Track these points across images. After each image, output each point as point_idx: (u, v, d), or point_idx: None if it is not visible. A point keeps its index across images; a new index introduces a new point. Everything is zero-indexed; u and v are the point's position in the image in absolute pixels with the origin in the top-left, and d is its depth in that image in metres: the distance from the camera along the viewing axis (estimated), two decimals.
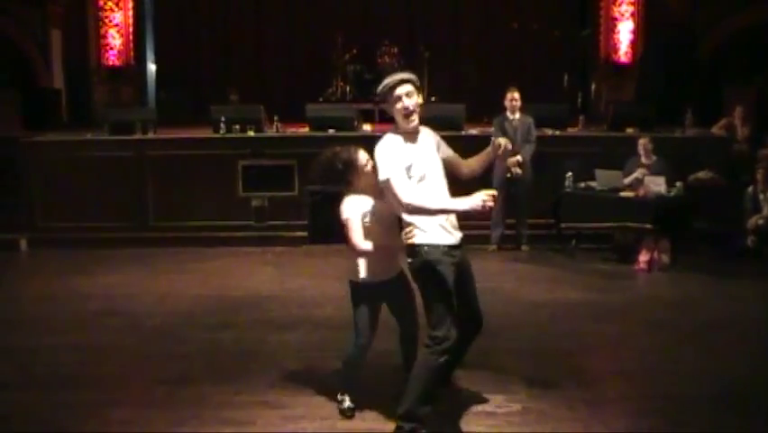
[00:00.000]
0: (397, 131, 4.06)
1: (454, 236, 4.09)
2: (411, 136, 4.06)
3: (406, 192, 3.90)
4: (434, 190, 4.03)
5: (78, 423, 4.44)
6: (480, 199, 3.74)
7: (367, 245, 4.15)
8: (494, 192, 3.77)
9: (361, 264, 4.30)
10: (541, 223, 9.03)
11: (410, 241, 3.99)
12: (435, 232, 4.01)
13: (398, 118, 4.02)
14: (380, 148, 4.01)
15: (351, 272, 4.37)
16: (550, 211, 8.90)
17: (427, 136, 4.18)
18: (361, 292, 4.35)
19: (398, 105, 3.98)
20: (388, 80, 4.04)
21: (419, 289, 4.13)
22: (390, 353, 4.67)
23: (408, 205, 3.91)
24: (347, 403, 4.48)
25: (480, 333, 4.42)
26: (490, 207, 3.77)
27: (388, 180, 3.93)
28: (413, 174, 3.96)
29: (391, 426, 4.17)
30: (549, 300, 6.92)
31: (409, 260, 4.07)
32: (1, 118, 11.77)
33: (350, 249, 4.25)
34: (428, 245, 3.99)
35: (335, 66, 13.60)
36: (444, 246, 4.02)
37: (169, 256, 8.80)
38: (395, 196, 3.92)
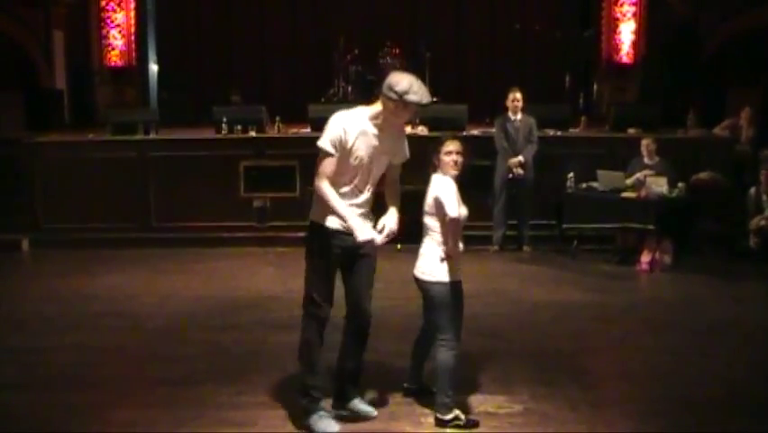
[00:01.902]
0: (368, 114, 4.16)
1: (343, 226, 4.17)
2: (382, 125, 4.15)
3: (324, 171, 4.12)
4: (358, 180, 4.18)
5: (81, 424, 4.44)
6: (370, 235, 4.07)
7: (462, 210, 4.17)
8: (386, 236, 4.06)
9: (448, 263, 4.21)
10: (543, 224, 9.02)
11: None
12: (332, 216, 4.17)
13: (392, 115, 4.11)
14: (333, 117, 4.17)
15: (436, 272, 4.24)
16: (552, 212, 8.89)
17: (395, 137, 4.25)
18: (453, 292, 4.25)
19: (406, 112, 4.11)
20: (425, 99, 4.09)
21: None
22: (392, 354, 4.67)
23: (318, 184, 4.14)
24: (463, 418, 4.28)
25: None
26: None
27: (319, 149, 4.14)
28: (351, 154, 4.10)
29: (395, 426, 4.23)
30: (551, 301, 6.91)
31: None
32: (4, 119, 11.78)
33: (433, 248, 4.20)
34: (323, 225, 4.19)
35: (337, 66, 13.58)
36: (335, 229, 4.17)
37: (170, 257, 8.80)
38: (317, 164, 4.14)
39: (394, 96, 4.02)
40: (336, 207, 4.11)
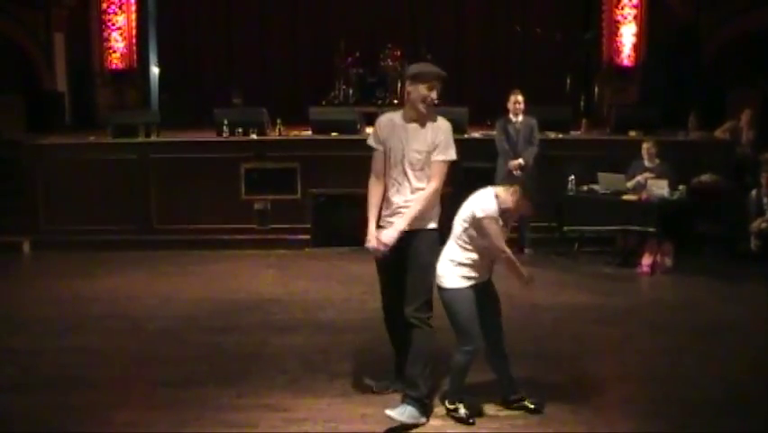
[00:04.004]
0: (401, 110, 4.51)
1: (387, 223, 4.45)
2: (409, 115, 4.42)
3: (372, 167, 4.51)
4: (396, 177, 4.40)
5: (81, 425, 4.44)
6: (373, 241, 4.33)
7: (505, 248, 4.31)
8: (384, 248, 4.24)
9: (462, 268, 4.29)
10: (543, 226, 9.01)
11: None
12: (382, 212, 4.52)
13: (413, 101, 4.38)
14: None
15: (445, 277, 4.32)
16: (553, 214, 8.88)
17: (433, 130, 4.38)
18: (464, 295, 4.30)
19: (419, 90, 4.35)
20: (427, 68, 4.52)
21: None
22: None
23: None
24: (462, 411, 4.40)
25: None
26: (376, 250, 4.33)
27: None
28: (386, 147, 4.44)
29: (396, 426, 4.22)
30: (552, 304, 6.91)
31: None
32: (5, 121, 11.77)
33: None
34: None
35: (338, 69, 13.58)
36: (381, 227, 4.45)
37: (171, 259, 8.79)
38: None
39: (407, 80, 4.39)
40: (368, 208, 4.45)
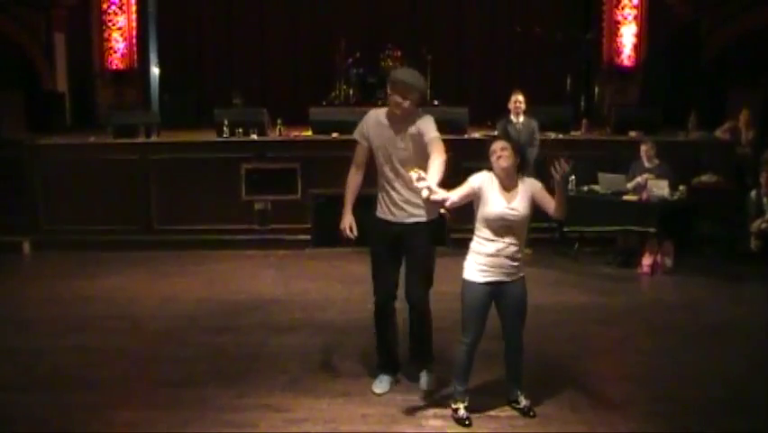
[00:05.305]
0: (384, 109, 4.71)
1: (387, 214, 4.65)
2: (392, 116, 4.58)
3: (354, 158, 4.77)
4: (385, 177, 4.61)
5: (82, 425, 4.45)
6: (347, 227, 4.65)
7: (439, 195, 4.19)
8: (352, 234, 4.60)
9: (469, 260, 4.38)
10: (544, 226, 8.99)
11: None
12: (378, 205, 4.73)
13: (391, 105, 4.58)
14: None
15: (466, 269, 4.41)
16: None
17: (415, 126, 4.53)
18: (473, 288, 4.35)
19: (394, 96, 4.53)
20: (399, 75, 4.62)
21: None
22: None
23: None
24: (461, 412, 4.42)
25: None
26: (345, 237, 4.63)
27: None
28: (372, 144, 4.65)
29: (396, 427, 4.22)
30: (552, 304, 6.90)
31: None
32: (5, 121, 11.79)
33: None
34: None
35: (338, 69, 13.59)
36: (379, 219, 4.69)
37: (171, 259, 8.79)
38: None
39: (388, 83, 4.57)
40: (345, 195, 4.72)
